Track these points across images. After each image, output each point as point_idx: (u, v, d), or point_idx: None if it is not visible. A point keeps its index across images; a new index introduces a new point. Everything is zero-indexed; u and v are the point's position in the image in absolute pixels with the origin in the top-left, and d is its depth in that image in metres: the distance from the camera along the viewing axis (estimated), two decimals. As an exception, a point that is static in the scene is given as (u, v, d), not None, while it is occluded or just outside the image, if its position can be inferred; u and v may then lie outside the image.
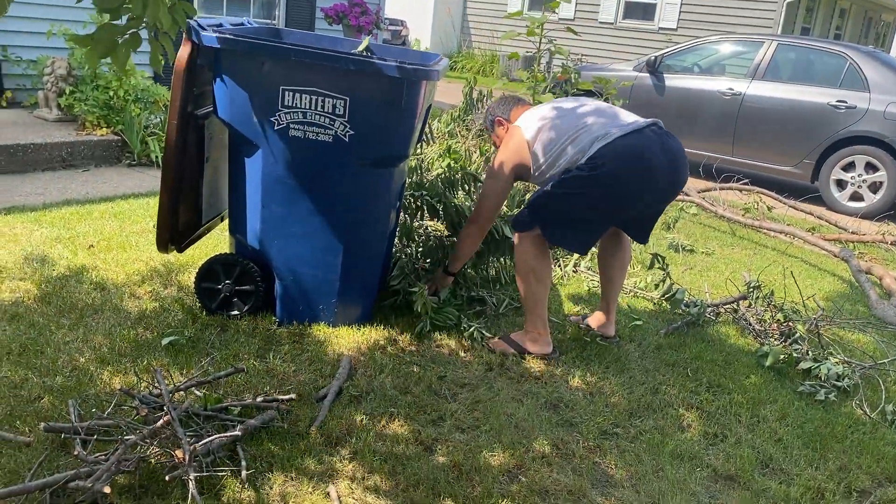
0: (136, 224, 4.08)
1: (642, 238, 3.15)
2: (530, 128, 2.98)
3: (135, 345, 2.75)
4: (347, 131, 2.82)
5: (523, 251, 3.01)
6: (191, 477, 1.92)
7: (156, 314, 3.02)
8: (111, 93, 5.73)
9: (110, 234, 3.86)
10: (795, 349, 3.30)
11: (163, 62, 1.90)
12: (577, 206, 2.89)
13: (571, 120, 2.94)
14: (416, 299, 3.14)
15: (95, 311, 3.00)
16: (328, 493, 2.08)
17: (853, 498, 2.40)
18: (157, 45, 1.83)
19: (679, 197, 6.10)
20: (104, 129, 5.63)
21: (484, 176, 3.31)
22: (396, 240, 3.50)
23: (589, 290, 3.92)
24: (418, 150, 4.09)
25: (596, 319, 3.31)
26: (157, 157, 5.51)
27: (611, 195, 2.86)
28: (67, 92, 5.69)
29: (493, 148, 3.58)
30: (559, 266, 4.19)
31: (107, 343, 2.74)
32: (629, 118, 2.94)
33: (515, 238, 3.06)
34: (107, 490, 1.87)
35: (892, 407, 2.95)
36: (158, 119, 5.86)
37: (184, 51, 2.77)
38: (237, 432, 2.14)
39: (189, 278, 3.35)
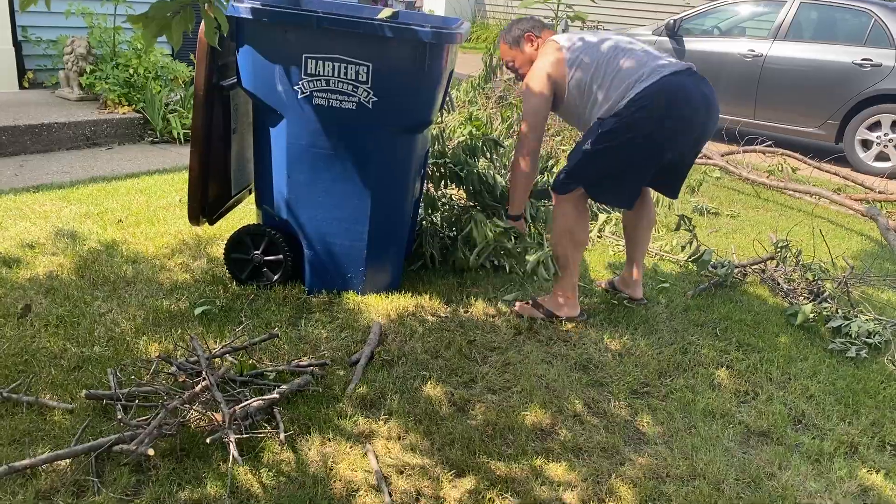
0: (163, 199, 4.12)
1: (673, 193, 3.12)
2: (568, 47, 2.92)
3: (168, 315, 2.79)
4: (371, 98, 2.82)
5: (563, 213, 3.00)
6: (231, 439, 1.95)
7: (187, 285, 3.06)
8: (131, 70, 5.76)
9: (138, 210, 3.90)
10: (825, 308, 3.29)
11: (217, 35, 1.91)
12: (620, 157, 2.85)
13: (604, 55, 2.89)
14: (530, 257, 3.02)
15: (128, 283, 3.04)
16: (366, 453, 2.11)
17: (887, 451, 2.40)
18: (211, 18, 1.84)
19: (702, 160, 6.04)
20: (126, 107, 5.66)
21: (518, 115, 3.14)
22: (420, 209, 3.50)
23: (615, 254, 3.91)
24: (440, 119, 4.08)
25: (623, 282, 3.31)
26: (179, 133, 5.54)
27: (652, 138, 2.80)
28: (88, 71, 5.72)
29: (514, 78, 3.39)
30: (583, 231, 4.17)
31: (141, 314, 2.78)
32: (661, 59, 2.88)
33: (554, 199, 3.04)
34: (150, 452, 1.92)
35: (925, 362, 2.94)
36: (178, 96, 5.89)
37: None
38: (275, 395, 2.17)
39: (218, 250, 3.38)
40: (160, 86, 5.79)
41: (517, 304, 3.13)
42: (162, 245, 3.45)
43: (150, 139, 5.58)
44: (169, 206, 3.99)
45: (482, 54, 5.37)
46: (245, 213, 3.78)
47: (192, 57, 6.47)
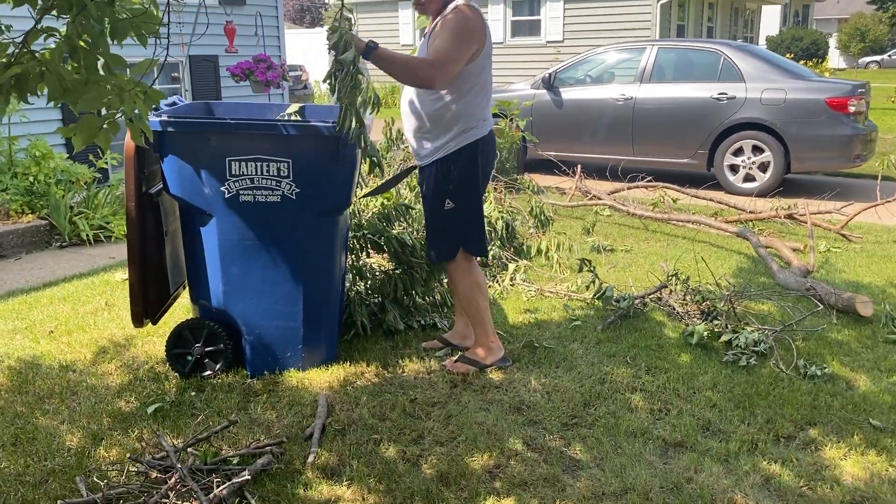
0: (88, 304, 4.18)
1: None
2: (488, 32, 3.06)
3: (121, 417, 2.90)
4: (294, 189, 3.07)
5: (460, 271, 3.29)
6: (212, 524, 2.12)
7: (133, 386, 3.17)
8: (31, 178, 5.77)
9: (66, 318, 3.95)
10: (716, 325, 3.73)
11: (142, 138, 2.16)
12: (472, 201, 3.20)
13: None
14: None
15: (73, 393, 3.12)
16: (336, 518, 2.31)
17: (781, 443, 2.79)
18: (136, 127, 2.09)
19: (593, 201, 6.57)
20: (30, 215, 5.66)
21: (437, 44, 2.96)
22: (347, 280, 3.75)
23: (528, 300, 4.26)
24: (355, 195, 4.36)
25: (457, 335, 3.59)
26: (88, 235, 5.58)
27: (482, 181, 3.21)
28: (-14, 183, 5.69)
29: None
30: (497, 282, 4.52)
31: (94, 420, 2.88)
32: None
33: (448, 268, 3.32)
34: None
35: (803, 361, 3.39)
36: (82, 197, 5.93)
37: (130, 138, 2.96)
38: (246, 476, 2.34)
39: (154, 347, 3.50)
40: (63, 190, 5.83)
41: (447, 362, 3.39)
42: (98, 350, 3.54)
43: (59, 244, 5.59)
44: (96, 311, 4.07)
45: (382, 127, 5.73)
46: (178, 307, 3.91)
47: (91, 157, 6.54)
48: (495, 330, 3.46)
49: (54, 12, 2.01)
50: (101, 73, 2.04)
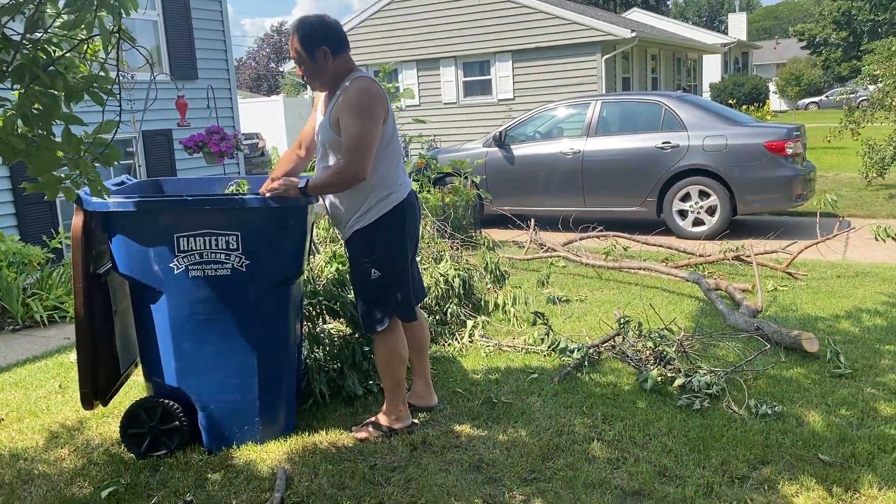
0: (41, 388, 4.11)
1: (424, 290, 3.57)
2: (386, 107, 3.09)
3: (74, 504, 2.84)
4: (244, 262, 3.10)
5: (384, 343, 3.29)
6: None
7: (87, 471, 3.11)
8: (-18, 262, 5.69)
9: (18, 404, 3.88)
10: (669, 369, 3.80)
11: (103, 192, 2.24)
12: (399, 267, 3.22)
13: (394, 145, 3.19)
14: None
15: (25, 482, 3.05)
16: None
17: (736, 485, 2.84)
18: (94, 184, 2.15)
19: (547, 253, 6.69)
20: (-20, 299, 5.57)
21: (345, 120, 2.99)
22: (304, 348, 3.75)
23: (487, 356, 4.30)
24: (309, 264, 4.39)
25: (416, 396, 3.59)
26: (42, 316, 5.50)
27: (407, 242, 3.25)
28: (-65, 270, 5.60)
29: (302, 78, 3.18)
30: (455, 339, 4.56)
31: (46, 509, 2.82)
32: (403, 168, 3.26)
33: (375, 338, 3.32)
34: None
35: (755, 401, 3.47)
36: (35, 278, 5.86)
37: (77, 219, 2.99)
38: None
39: (108, 429, 3.45)
40: (15, 272, 5.75)
41: (353, 430, 3.36)
42: (51, 436, 3.47)
43: (12, 327, 5.49)
44: (49, 395, 4.00)
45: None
46: (134, 384, 3.86)
47: (44, 238, 6.49)
48: (455, 388, 3.48)
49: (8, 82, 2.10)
50: (57, 138, 2.15)
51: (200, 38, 9.26)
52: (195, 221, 3.04)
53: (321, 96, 3.26)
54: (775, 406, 3.42)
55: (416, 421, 3.40)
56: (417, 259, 3.37)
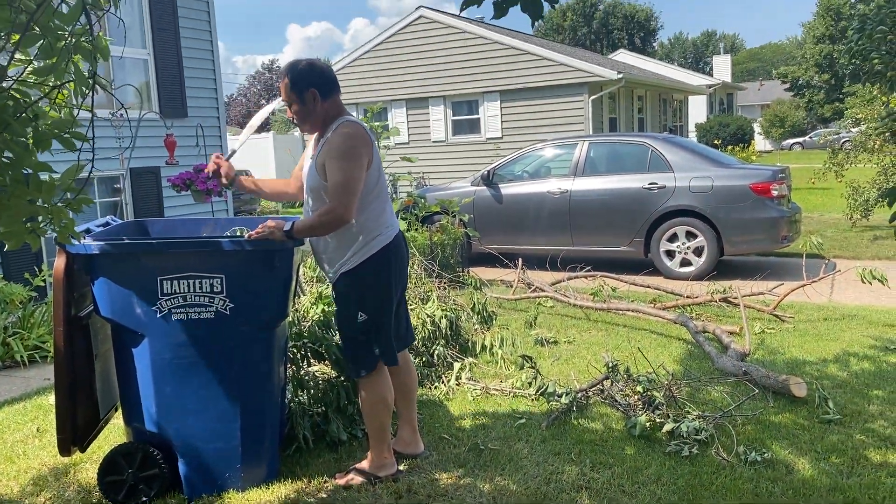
0: (18, 432, 4.02)
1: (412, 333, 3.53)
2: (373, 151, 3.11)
3: (48, 556, 2.76)
4: (227, 305, 3.07)
5: (373, 386, 3.23)
6: None
7: (62, 519, 3.02)
8: (-38, 300, 5.62)
9: (-7, 448, 3.79)
10: (657, 414, 3.76)
11: (72, 239, 2.24)
12: (385, 311, 3.19)
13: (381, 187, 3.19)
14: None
15: (-3, 531, 2.97)
16: None
17: (726, 535, 2.80)
18: (65, 230, 2.13)
19: (535, 293, 6.68)
20: (-40, 338, 5.47)
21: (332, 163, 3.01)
22: (288, 392, 3.69)
23: (474, 399, 4.25)
24: (294, 305, 4.35)
25: (402, 443, 3.52)
26: (22, 356, 5.41)
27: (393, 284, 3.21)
28: (-86, 308, 5.51)
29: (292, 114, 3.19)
30: (442, 382, 4.51)
31: (18, 561, 2.73)
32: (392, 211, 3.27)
33: (360, 384, 3.26)
34: None
35: (744, 448, 3.44)
36: (17, 317, 5.78)
37: (59, 262, 2.95)
38: None
39: (87, 475, 3.37)
40: (-4, 310, 5.67)
41: (337, 477, 3.29)
42: (27, 482, 3.38)
43: (-9, 367, 5.39)
44: (27, 439, 3.91)
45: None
46: (111, 429, 3.78)
47: (26, 276, 6.43)
48: (441, 434, 3.43)
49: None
50: (27, 185, 2.13)
51: (191, 77, 9.32)
52: (179, 264, 3.01)
53: (312, 138, 3.27)
54: (764, 453, 3.39)
55: (401, 468, 3.34)
56: (406, 299, 3.33)
